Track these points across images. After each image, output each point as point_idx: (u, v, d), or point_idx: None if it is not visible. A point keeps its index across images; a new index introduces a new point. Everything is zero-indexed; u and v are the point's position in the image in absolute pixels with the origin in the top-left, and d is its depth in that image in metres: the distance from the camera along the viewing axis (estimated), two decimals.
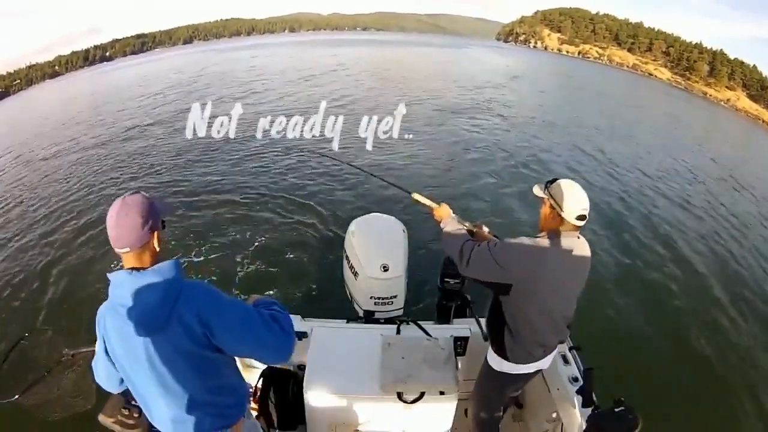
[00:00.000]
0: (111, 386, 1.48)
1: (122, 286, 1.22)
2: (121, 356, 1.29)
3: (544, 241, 1.79)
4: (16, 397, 1.79)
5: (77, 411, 1.84)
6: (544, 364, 2.06)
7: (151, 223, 1.25)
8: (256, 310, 1.35)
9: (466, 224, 2.12)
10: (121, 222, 1.22)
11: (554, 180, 1.84)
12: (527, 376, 2.10)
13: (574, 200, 1.74)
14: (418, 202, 2.36)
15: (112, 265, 5.36)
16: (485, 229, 2.15)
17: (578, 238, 1.82)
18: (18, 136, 16.96)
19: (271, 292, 4.97)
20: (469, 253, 1.84)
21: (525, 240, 1.82)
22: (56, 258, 6.20)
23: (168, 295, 1.20)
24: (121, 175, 9.74)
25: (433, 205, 2.26)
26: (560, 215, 1.76)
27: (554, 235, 1.79)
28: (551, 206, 1.80)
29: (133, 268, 1.24)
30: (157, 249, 1.29)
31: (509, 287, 1.84)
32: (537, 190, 1.89)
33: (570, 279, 1.87)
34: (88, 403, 1.85)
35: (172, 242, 5.89)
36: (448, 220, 2.11)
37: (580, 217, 1.75)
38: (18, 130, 19.18)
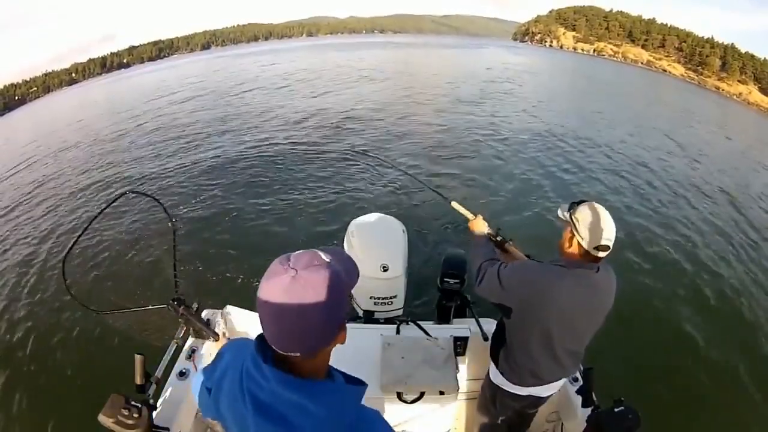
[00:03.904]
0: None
1: (266, 380, 0.78)
2: (228, 419, 0.91)
3: (556, 270, 1.65)
4: (100, 312, 1.81)
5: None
6: (539, 391, 1.94)
7: (339, 320, 0.81)
8: None
9: (498, 239, 2.08)
10: (291, 316, 0.75)
11: (581, 202, 1.67)
12: (519, 398, 1.97)
13: (597, 228, 1.56)
14: (455, 210, 2.28)
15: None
16: (515, 248, 2.09)
17: (597, 270, 1.64)
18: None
19: None
20: (484, 273, 1.77)
21: (535, 266, 1.74)
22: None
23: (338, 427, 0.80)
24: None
25: (470, 216, 2.18)
26: (579, 243, 1.61)
27: (571, 264, 1.64)
28: (571, 231, 1.64)
29: (287, 364, 0.79)
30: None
31: (510, 310, 1.77)
32: (561, 213, 1.73)
33: (582, 314, 1.69)
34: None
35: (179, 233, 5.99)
36: (479, 234, 2.07)
37: (601, 248, 1.57)
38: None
